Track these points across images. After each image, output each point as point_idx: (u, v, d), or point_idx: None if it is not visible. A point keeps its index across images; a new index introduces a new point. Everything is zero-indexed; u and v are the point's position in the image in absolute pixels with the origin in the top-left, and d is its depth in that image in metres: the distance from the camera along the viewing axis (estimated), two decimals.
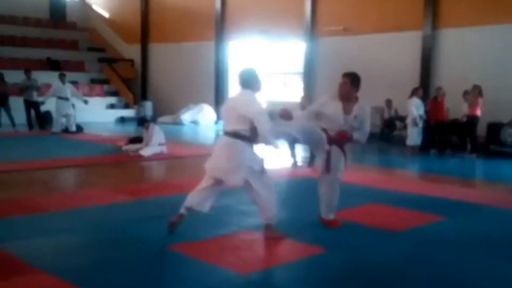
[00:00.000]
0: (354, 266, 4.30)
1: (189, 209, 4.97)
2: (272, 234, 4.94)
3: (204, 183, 4.99)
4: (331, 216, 5.34)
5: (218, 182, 4.93)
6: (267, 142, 4.67)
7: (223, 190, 5.21)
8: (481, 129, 11.79)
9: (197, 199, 4.95)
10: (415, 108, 11.47)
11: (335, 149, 5.17)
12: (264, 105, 4.92)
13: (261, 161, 4.87)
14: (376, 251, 4.70)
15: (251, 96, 4.75)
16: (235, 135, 4.69)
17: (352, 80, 5.15)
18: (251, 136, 4.70)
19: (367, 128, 5.21)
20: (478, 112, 11.44)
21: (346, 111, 5.13)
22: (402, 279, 4.08)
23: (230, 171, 4.73)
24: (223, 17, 19.13)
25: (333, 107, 5.16)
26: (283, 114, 4.97)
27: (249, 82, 4.80)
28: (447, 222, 5.77)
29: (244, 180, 4.76)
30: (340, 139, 5.13)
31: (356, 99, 5.20)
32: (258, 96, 4.83)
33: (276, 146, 4.68)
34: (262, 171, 4.87)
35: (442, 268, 4.30)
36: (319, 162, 5.29)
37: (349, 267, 4.28)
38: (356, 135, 5.19)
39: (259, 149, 4.87)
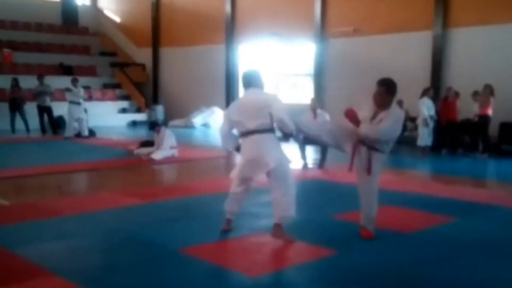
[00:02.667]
0: (365, 268, 4.30)
1: (233, 214, 5.21)
2: (279, 235, 4.88)
3: (237, 188, 5.10)
4: (369, 228, 5.06)
5: (248, 183, 5.11)
6: (287, 128, 4.78)
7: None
8: (493, 129, 11.71)
9: (236, 208, 5.20)
10: (426, 109, 11.42)
11: (363, 149, 4.92)
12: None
13: (288, 158, 4.96)
14: (387, 252, 4.69)
15: (260, 93, 4.90)
16: (264, 130, 4.79)
17: (387, 90, 4.85)
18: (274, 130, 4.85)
19: (382, 126, 4.78)
20: (490, 112, 11.37)
21: (374, 116, 4.88)
22: (414, 281, 4.07)
23: (260, 163, 4.85)
24: (233, 20, 19.19)
25: (365, 112, 4.95)
26: (350, 115, 4.82)
27: (256, 81, 4.94)
28: (458, 223, 5.74)
29: (272, 169, 4.82)
30: (346, 117, 4.86)
31: (400, 103, 5.08)
32: None
33: (294, 134, 4.82)
34: (288, 169, 4.94)
35: (453, 270, 4.28)
36: (358, 163, 4.96)
37: (360, 269, 4.28)
38: (365, 128, 4.83)
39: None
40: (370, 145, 4.86)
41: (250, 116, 4.81)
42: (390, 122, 4.79)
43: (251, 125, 4.79)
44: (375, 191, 5.03)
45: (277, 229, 4.90)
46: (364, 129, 4.80)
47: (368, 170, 4.87)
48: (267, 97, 4.91)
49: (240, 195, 5.14)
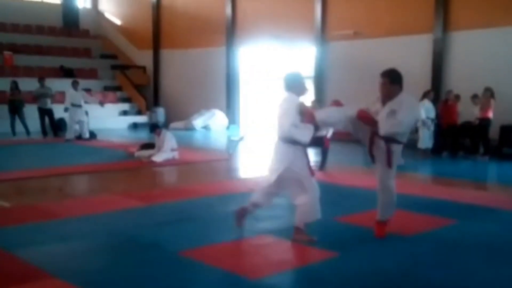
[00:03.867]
0: (366, 270, 4.29)
1: (255, 205, 5.26)
2: (299, 237, 4.96)
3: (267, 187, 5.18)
4: (382, 218, 5.14)
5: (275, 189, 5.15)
6: (300, 141, 4.78)
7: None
8: (494, 132, 11.71)
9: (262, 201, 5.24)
10: (424, 111, 11.43)
11: (380, 142, 4.88)
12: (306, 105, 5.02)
13: (304, 165, 4.92)
14: (388, 255, 4.69)
15: (285, 100, 4.89)
16: (279, 138, 4.89)
17: (391, 80, 4.84)
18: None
19: (400, 117, 4.66)
20: (490, 115, 11.37)
21: (383, 106, 4.83)
22: (415, 283, 4.07)
23: (271, 170, 4.96)
24: (233, 23, 19.23)
25: (376, 107, 4.93)
26: (362, 116, 4.79)
27: (291, 85, 4.96)
28: (459, 226, 5.74)
29: (278, 178, 4.88)
30: (359, 118, 4.80)
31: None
32: (299, 99, 4.94)
33: (305, 142, 4.80)
34: (303, 175, 4.91)
35: (454, 273, 4.28)
36: (379, 157, 4.92)
37: (361, 271, 4.28)
38: (383, 125, 4.72)
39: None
40: (387, 137, 4.81)
41: (276, 122, 4.92)
42: (407, 112, 4.72)
43: (277, 130, 4.93)
44: (393, 182, 5.08)
45: (297, 232, 4.99)
46: (383, 126, 4.73)
47: (388, 163, 4.86)
48: (283, 107, 4.86)
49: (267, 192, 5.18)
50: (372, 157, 4.99)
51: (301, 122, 4.79)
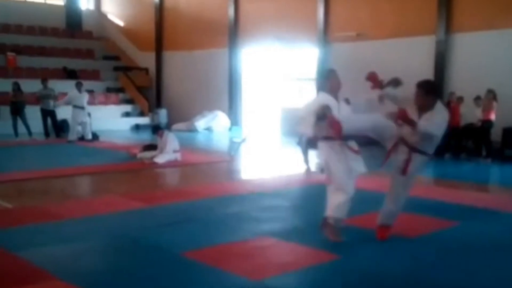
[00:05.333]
0: (368, 272, 4.29)
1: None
2: (326, 231, 5.02)
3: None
4: (384, 222, 5.16)
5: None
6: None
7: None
8: (496, 134, 11.69)
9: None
10: None
11: (403, 149, 4.87)
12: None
13: (330, 163, 4.96)
14: (390, 257, 4.69)
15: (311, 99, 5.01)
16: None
17: (426, 91, 4.78)
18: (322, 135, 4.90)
19: (429, 125, 4.66)
20: (493, 117, 11.35)
21: (419, 118, 4.79)
22: (417, 285, 4.07)
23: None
24: (236, 25, 19.23)
25: (412, 116, 4.83)
26: (402, 116, 4.68)
27: (320, 84, 5.02)
28: (461, 227, 5.74)
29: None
30: (399, 118, 4.72)
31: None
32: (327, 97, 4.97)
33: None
34: (330, 172, 4.99)
35: (457, 274, 4.28)
36: (393, 162, 4.93)
37: (363, 273, 4.28)
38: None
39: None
40: (412, 145, 4.81)
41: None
42: (435, 121, 4.71)
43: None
44: (406, 192, 5.05)
45: (325, 224, 5.04)
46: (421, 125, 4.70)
47: (404, 171, 4.84)
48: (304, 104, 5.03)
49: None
50: (386, 161, 4.96)
51: (318, 125, 4.81)
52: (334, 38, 16.28)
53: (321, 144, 5.00)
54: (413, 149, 4.81)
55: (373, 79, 5.12)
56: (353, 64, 15.58)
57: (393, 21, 14.84)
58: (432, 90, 4.84)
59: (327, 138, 4.85)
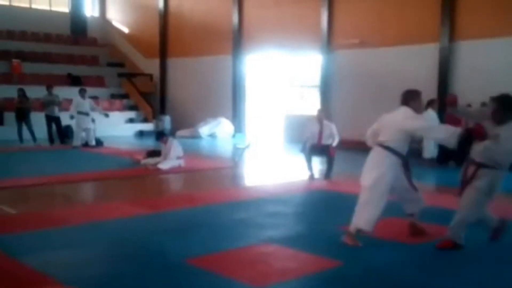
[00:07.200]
0: (371, 279, 4.29)
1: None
2: (347, 240, 5.14)
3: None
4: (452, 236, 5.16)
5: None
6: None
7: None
8: None
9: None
10: (428, 121, 11.39)
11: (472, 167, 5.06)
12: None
13: (372, 176, 5.12)
14: (393, 264, 4.68)
15: (410, 113, 5.10)
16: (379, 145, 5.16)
17: (503, 107, 4.81)
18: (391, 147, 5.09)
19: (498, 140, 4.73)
20: None
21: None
22: None
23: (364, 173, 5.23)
24: (240, 31, 19.30)
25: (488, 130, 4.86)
26: (479, 131, 4.75)
27: (408, 100, 5.17)
28: (466, 235, 5.70)
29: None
30: (472, 131, 4.80)
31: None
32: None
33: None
34: (369, 185, 5.12)
35: (460, 280, 4.27)
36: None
37: (366, 280, 4.28)
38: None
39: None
40: (480, 162, 4.92)
41: (383, 131, 5.29)
42: (504, 137, 4.72)
43: (379, 139, 5.29)
44: (473, 204, 5.15)
45: (347, 234, 5.18)
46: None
47: (462, 183, 5.13)
48: (408, 118, 5.15)
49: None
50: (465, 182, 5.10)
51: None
52: (337, 45, 16.31)
53: (388, 157, 5.11)
54: (480, 165, 4.90)
55: (452, 102, 5.33)
56: (356, 71, 15.63)
57: (396, 29, 14.87)
58: (506, 105, 4.85)
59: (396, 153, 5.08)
